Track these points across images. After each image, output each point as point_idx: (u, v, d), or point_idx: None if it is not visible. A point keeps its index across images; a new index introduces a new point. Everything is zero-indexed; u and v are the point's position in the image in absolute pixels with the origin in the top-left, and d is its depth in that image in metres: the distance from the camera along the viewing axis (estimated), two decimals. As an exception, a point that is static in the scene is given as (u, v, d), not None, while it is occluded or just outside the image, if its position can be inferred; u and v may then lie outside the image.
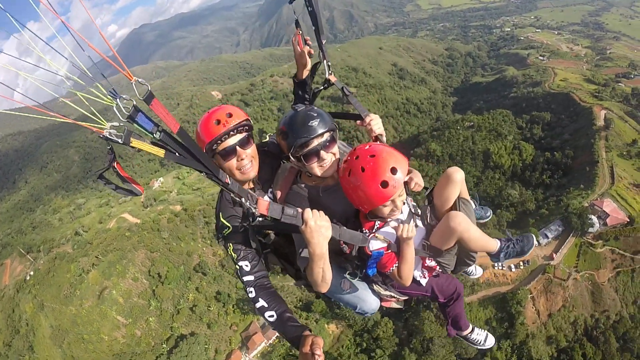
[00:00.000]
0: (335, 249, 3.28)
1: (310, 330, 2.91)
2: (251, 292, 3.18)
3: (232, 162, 3.21)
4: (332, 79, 3.92)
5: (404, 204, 3.36)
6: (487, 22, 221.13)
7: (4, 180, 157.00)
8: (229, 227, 3.28)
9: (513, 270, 62.79)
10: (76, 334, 64.39)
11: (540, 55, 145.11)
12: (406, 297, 3.97)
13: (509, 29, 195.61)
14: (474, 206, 4.06)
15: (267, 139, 3.92)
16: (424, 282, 3.78)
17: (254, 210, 2.59)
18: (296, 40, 3.82)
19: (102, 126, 1.75)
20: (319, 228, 2.72)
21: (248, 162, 3.26)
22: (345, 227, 3.01)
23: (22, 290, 72.84)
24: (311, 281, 3.03)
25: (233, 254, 3.26)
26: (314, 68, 3.94)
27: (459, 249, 3.64)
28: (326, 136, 3.22)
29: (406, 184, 3.39)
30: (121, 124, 1.76)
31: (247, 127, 3.29)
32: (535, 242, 3.82)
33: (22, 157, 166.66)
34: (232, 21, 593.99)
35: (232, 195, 2.57)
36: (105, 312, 66.30)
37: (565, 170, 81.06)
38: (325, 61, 3.81)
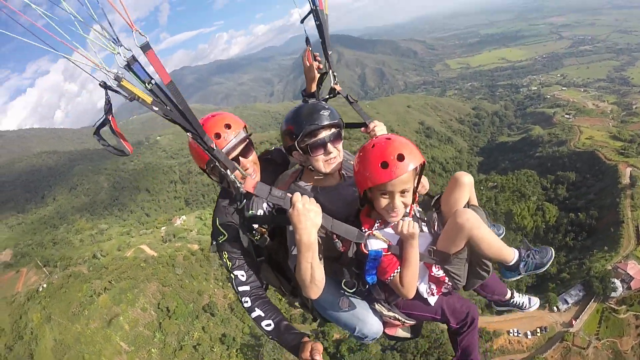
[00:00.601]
0: (330, 249, 3.07)
1: (309, 337, 2.90)
2: (247, 301, 3.12)
3: (236, 172, 2.86)
4: (337, 88, 3.96)
5: (406, 208, 3.03)
6: (514, 81, 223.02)
7: (33, 193, 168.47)
8: (224, 235, 3.19)
9: (529, 337, 61.31)
10: (77, 352, 66.94)
11: (566, 114, 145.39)
12: (413, 322, 3.56)
13: (536, 88, 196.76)
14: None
15: (272, 148, 3.89)
16: (432, 300, 3.35)
17: (239, 185, 2.57)
18: (306, 56, 3.98)
19: (98, 67, 1.85)
20: (307, 212, 2.57)
21: (251, 170, 3.21)
22: (339, 221, 2.81)
23: (33, 300, 77.46)
24: (300, 282, 2.78)
25: (228, 262, 3.17)
26: (321, 79, 4.01)
27: (471, 255, 3.25)
28: (334, 130, 3.15)
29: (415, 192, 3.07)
30: (119, 72, 1.89)
31: (245, 135, 3.22)
32: (554, 254, 3.49)
33: (53, 175, 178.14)
34: (268, 72, 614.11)
35: (217, 164, 2.54)
36: (110, 336, 69.00)
37: (590, 231, 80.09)
38: (331, 71, 3.88)
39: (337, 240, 2.97)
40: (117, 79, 1.88)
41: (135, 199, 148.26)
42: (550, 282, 71.29)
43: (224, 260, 3.18)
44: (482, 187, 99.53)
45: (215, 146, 2.48)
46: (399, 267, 2.91)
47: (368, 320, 3.29)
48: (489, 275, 3.44)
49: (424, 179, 3.28)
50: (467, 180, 3.38)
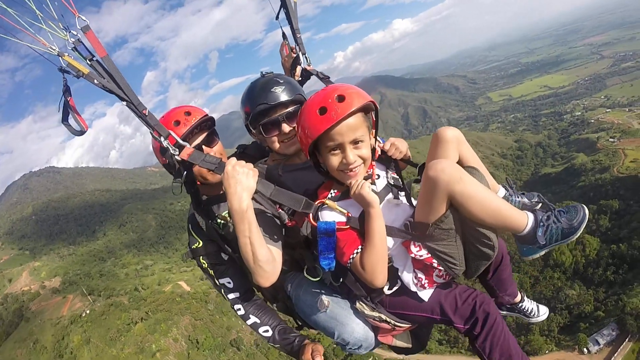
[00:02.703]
0: (289, 232, 2.70)
1: (309, 338, 2.85)
2: (239, 309, 2.95)
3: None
4: (309, 68, 3.78)
5: (365, 165, 2.41)
6: (558, 108, 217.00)
7: (85, 227, 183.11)
8: (198, 241, 2.99)
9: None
10: None
11: (611, 137, 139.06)
12: (408, 325, 2.72)
13: (579, 113, 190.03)
14: (503, 192, 2.77)
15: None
16: (425, 294, 2.54)
17: (172, 153, 2.45)
18: (282, 49, 4.05)
19: (51, 51, 2.15)
20: (236, 173, 2.29)
21: None
22: (284, 189, 2.45)
23: (75, 323, 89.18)
24: (245, 263, 2.38)
25: (210, 271, 2.97)
26: (295, 63, 3.86)
27: (463, 226, 2.37)
28: (291, 107, 2.86)
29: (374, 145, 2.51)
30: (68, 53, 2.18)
31: (209, 124, 3.02)
32: (587, 213, 2.33)
33: (105, 212, 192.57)
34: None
35: (149, 129, 2.47)
36: None
37: (632, 263, 74.26)
38: (301, 53, 3.80)
39: (281, 210, 2.61)
40: (60, 54, 2.12)
41: (180, 238, 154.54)
42: (583, 321, 67.25)
43: (205, 267, 3.00)
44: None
45: (149, 113, 2.43)
46: (360, 247, 2.35)
47: (348, 324, 2.71)
48: (494, 252, 2.46)
49: (402, 143, 2.88)
50: (450, 134, 2.61)
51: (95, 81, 2.24)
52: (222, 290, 2.98)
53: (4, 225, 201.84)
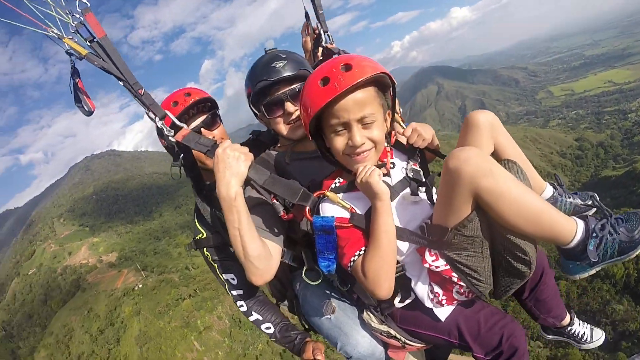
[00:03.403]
0: (290, 227, 2.43)
1: (311, 336, 2.81)
2: (242, 305, 2.86)
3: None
4: (330, 46, 3.39)
5: (377, 148, 1.95)
6: (622, 105, 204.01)
7: (142, 208, 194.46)
8: (202, 233, 2.86)
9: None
10: (156, 343, 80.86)
11: None
12: (420, 344, 2.31)
13: None
14: (551, 191, 2.35)
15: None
16: (442, 313, 2.08)
17: (167, 133, 2.24)
18: (304, 31, 3.78)
19: (52, 33, 2.15)
20: (226, 157, 2.04)
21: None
22: (281, 178, 2.11)
23: (128, 296, 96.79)
24: (236, 256, 2.13)
25: (213, 264, 2.84)
26: (316, 42, 3.51)
27: (492, 234, 1.85)
28: (296, 84, 2.54)
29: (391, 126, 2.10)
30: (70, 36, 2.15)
31: (209, 106, 2.86)
32: None
33: (162, 194, 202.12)
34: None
35: (145, 110, 2.29)
36: (186, 335, 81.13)
37: None
38: (322, 31, 3.45)
39: (275, 201, 2.26)
40: (60, 37, 2.15)
41: None
42: (626, 340, 62.98)
43: (209, 260, 2.86)
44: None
45: (145, 93, 2.28)
46: (363, 248, 1.90)
47: (353, 335, 2.40)
48: (531, 270, 1.88)
49: (427, 129, 2.32)
50: (483, 119, 2.12)
51: (95, 62, 2.24)
52: (226, 285, 2.83)
53: (66, 203, 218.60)
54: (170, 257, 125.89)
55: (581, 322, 2.74)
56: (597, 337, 2.74)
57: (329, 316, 2.47)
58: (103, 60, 2.25)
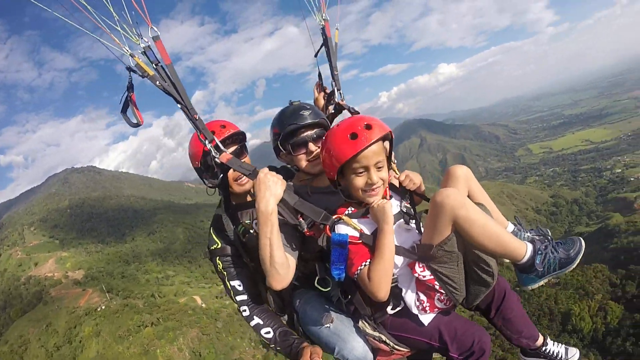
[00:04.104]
0: (306, 245, 2.93)
1: (308, 341, 2.94)
2: (245, 310, 3.12)
3: (230, 174, 3.12)
4: (342, 103, 3.96)
5: (391, 197, 2.81)
6: (598, 164, 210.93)
7: (116, 229, 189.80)
8: (217, 243, 3.21)
9: None
10: None
11: None
12: (406, 350, 2.86)
13: (620, 170, 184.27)
14: (512, 227, 3.01)
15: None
16: (426, 319, 2.66)
17: (214, 155, 2.69)
18: (316, 89, 4.28)
19: (124, 52, 2.43)
20: (267, 180, 2.62)
21: (244, 176, 3.13)
22: (306, 201, 2.73)
23: (90, 315, 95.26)
24: (262, 267, 2.65)
25: (223, 272, 3.17)
26: (329, 98, 4.09)
27: (465, 252, 2.54)
28: (317, 129, 3.14)
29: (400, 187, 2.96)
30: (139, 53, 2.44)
31: (240, 138, 3.29)
32: (583, 245, 2.54)
33: (137, 218, 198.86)
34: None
35: (197, 131, 2.72)
36: None
37: None
38: (336, 89, 3.98)
39: (301, 220, 2.74)
40: (132, 55, 2.43)
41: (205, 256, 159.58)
42: None
43: (219, 269, 3.20)
44: (543, 284, 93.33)
45: (199, 119, 2.66)
46: (368, 260, 2.51)
47: (349, 341, 2.82)
48: (493, 280, 2.59)
49: (416, 175, 3.04)
50: (460, 172, 2.88)
51: (157, 83, 2.54)
52: (232, 292, 3.18)
53: (39, 212, 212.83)
54: (138, 282, 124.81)
55: (554, 342, 3.20)
56: (572, 354, 3.19)
57: (328, 325, 2.89)
58: (166, 82, 2.54)
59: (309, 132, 3.13)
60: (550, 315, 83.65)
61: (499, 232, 2.44)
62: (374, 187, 2.57)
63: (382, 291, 2.47)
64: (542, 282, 2.61)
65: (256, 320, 3.10)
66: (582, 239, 2.55)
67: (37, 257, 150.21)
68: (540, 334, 3.15)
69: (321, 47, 4.15)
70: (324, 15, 4.05)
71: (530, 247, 2.52)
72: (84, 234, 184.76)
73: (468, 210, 2.38)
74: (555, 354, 3.15)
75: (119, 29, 2.41)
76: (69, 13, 2.31)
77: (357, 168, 2.52)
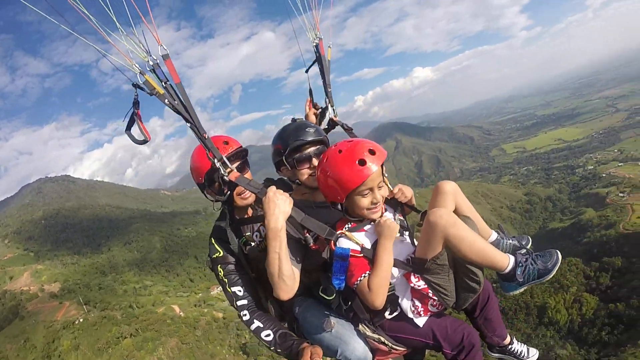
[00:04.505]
0: (309, 258, 3.13)
1: (308, 342, 2.98)
2: (245, 314, 3.20)
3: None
4: (335, 119, 4.18)
5: (385, 210, 3.10)
6: (571, 161, 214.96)
7: (91, 240, 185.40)
8: (219, 252, 3.34)
9: None
10: None
11: (621, 192, 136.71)
12: (403, 349, 3.16)
13: (592, 167, 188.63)
14: (495, 236, 3.38)
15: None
16: (420, 321, 2.96)
17: (223, 174, 2.87)
18: (307, 105, 4.43)
19: (134, 69, 2.48)
20: (276, 199, 2.76)
21: (247, 191, 3.31)
22: (311, 217, 2.93)
23: (68, 329, 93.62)
24: (270, 279, 2.85)
25: (224, 279, 3.28)
26: (323, 113, 4.30)
27: (455, 263, 2.88)
28: (319, 146, 3.35)
29: (395, 200, 3.23)
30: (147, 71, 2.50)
31: (243, 154, 3.44)
32: (560, 257, 2.90)
33: (113, 228, 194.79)
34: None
35: (206, 150, 2.87)
36: None
37: (628, 323, 71.89)
38: (329, 105, 4.19)
39: (307, 235, 2.97)
40: (142, 72, 2.48)
41: (183, 264, 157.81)
42: None
43: (220, 277, 3.32)
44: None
45: (208, 138, 2.81)
46: (367, 272, 2.78)
47: (351, 343, 3.03)
48: (480, 287, 2.96)
49: (407, 189, 3.33)
50: (448, 187, 3.15)
51: (166, 101, 2.62)
52: (233, 297, 3.29)
53: (13, 224, 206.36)
54: (115, 293, 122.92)
55: (519, 342, 3.72)
56: (533, 354, 3.69)
57: (329, 330, 3.10)
58: (175, 101, 2.66)
59: (313, 149, 3.36)
60: (526, 309, 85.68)
61: (485, 247, 2.80)
62: (377, 204, 2.89)
63: (379, 300, 2.77)
64: (522, 290, 2.95)
65: (256, 323, 3.21)
66: (558, 252, 2.94)
67: (12, 270, 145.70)
68: (508, 334, 3.64)
69: (313, 63, 4.34)
70: (318, 33, 4.23)
71: (512, 259, 2.87)
72: (59, 245, 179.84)
73: (458, 229, 2.70)
74: (518, 352, 3.64)
75: (128, 45, 2.49)
76: (74, 27, 2.42)
77: (363, 190, 2.80)
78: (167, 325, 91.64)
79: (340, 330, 3.11)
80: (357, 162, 2.71)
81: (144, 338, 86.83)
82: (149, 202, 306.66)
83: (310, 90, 4.50)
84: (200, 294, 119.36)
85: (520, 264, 2.86)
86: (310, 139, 3.32)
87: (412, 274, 2.93)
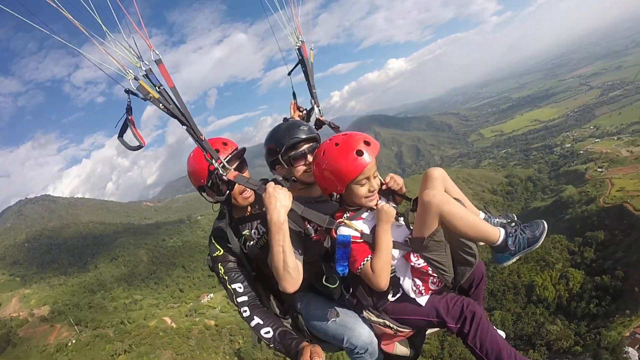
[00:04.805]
0: (309, 249, 3.18)
1: (309, 341, 3.03)
2: (245, 311, 3.23)
3: (235, 188, 3.36)
4: (322, 119, 4.26)
5: (380, 199, 3.19)
6: (548, 141, 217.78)
7: (77, 259, 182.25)
8: (219, 250, 3.39)
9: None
10: None
11: (599, 167, 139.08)
12: (408, 330, 3.22)
13: (569, 145, 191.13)
14: (482, 215, 3.45)
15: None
16: (422, 300, 3.08)
17: (221, 173, 2.93)
18: (291, 107, 4.48)
19: (127, 75, 2.51)
20: (276, 193, 2.84)
21: (248, 190, 3.43)
22: (310, 210, 3.01)
23: (61, 352, 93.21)
24: (275, 272, 2.91)
25: (224, 277, 3.32)
26: (309, 114, 4.41)
27: (450, 239, 3.04)
28: (313, 143, 3.43)
29: (388, 192, 3.39)
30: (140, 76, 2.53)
31: (240, 154, 3.54)
32: (546, 227, 3.07)
33: (98, 245, 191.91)
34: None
35: (203, 152, 2.92)
36: None
37: (615, 294, 73.80)
38: (316, 106, 4.30)
39: (308, 226, 3.08)
40: (136, 78, 2.52)
41: (171, 275, 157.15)
42: (560, 357, 64.64)
43: (221, 275, 3.36)
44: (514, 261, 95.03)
45: (205, 140, 2.86)
46: (369, 256, 2.91)
47: (356, 329, 3.11)
48: (476, 260, 3.15)
49: (397, 177, 3.47)
50: (437, 173, 3.24)
51: (161, 105, 2.66)
52: (233, 294, 3.33)
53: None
54: (106, 311, 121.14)
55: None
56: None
57: (334, 319, 3.18)
58: (170, 105, 2.71)
59: (307, 146, 3.44)
60: (514, 289, 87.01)
61: (476, 221, 2.97)
62: (374, 191, 3.04)
63: (384, 281, 2.91)
64: (514, 259, 3.11)
65: (256, 320, 3.23)
66: (544, 222, 3.12)
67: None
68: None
69: (296, 65, 4.46)
70: (300, 36, 4.34)
71: (502, 231, 3.05)
72: (44, 267, 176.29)
73: (451, 206, 2.88)
74: None
75: (120, 52, 2.54)
76: (58, 31, 2.42)
77: (361, 180, 2.95)
78: (160, 337, 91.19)
79: (345, 319, 3.19)
80: (354, 152, 2.86)
81: (139, 353, 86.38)
82: (132, 215, 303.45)
83: (294, 93, 4.59)
84: (190, 304, 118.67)
85: (511, 234, 3.04)
86: (304, 136, 3.43)
87: (411, 253, 3.06)
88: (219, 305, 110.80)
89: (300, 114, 4.53)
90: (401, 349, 3.42)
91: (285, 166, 3.48)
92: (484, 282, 3.62)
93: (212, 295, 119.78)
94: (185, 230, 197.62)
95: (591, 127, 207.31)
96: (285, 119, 3.83)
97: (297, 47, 4.38)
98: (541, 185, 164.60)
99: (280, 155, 3.41)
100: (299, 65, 4.45)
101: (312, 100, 4.41)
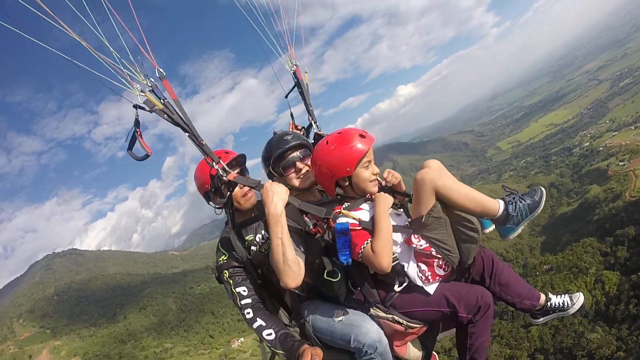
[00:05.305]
0: (310, 246, 3.15)
1: (310, 344, 2.98)
2: (248, 313, 3.24)
3: (237, 191, 3.46)
4: (320, 132, 4.37)
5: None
6: (566, 143, 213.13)
7: (106, 310, 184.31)
8: (225, 254, 3.48)
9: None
10: None
11: (620, 161, 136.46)
12: (420, 325, 3.14)
13: (588, 143, 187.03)
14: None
15: None
16: (430, 288, 3.01)
17: (222, 174, 3.10)
18: (290, 127, 4.56)
19: (134, 91, 2.75)
20: (273, 187, 2.94)
21: (249, 191, 3.55)
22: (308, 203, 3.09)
23: None
24: (275, 268, 2.90)
25: (229, 280, 3.37)
26: (307, 130, 4.49)
27: (449, 216, 2.98)
28: (302, 150, 3.53)
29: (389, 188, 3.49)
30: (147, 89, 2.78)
31: (242, 161, 3.69)
32: (544, 191, 3.03)
33: (126, 295, 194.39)
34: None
35: (205, 156, 3.14)
36: None
37: None
38: (313, 122, 4.43)
39: (306, 219, 3.09)
40: (143, 91, 2.76)
41: (200, 321, 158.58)
42: None
43: (225, 279, 3.40)
44: (537, 273, 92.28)
45: (206, 145, 3.04)
46: (369, 239, 2.87)
47: (364, 325, 3.02)
48: (479, 235, 3.07)
49: (396, 173, 3.63)
50: (433, 163, 3.17)
51: (165, 116, 2.87)
52: (237, 297, 3.35)
53: (26, 303, 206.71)
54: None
55: (557, 294, 3.57)
56: (577, 299, 3.52)
57: (341, 318, 3.13)
58: (174, 115, 2.90)
59: (295, 153, 3.51)
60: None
61: (473, 192, 2.93)
62: (376, 176, 3.14)
63: (386, 261, 2.82)
64: (519, 229, 2.99)
65: (259, 322, 3.21)
66: (542, 187, 3.09)
67: (30, 349, 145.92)
68: (541, 293, 3.52)
69: (292, 88, 4.62)
70: (294, 61, 4.55)
71: (501, 201, 2.99)
72: (74, 319, 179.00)
73: (445, 179, 2.88)
74: (561, 304, 3.50)
75: (126, 71, 2.74)
76: (67, 55, 2.64)
77: (365, 162, 3.06)
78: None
79: (351, 317, 3.13)
80: (359, 135, 3.02)
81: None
82: (158, 264, 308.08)
83: (292, 114, 4.69)
84: (221, 349, 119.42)
85: (510, 202, 2.96)
86: (290, 145, 3.49)
87: (412, 235, 3.00)
88: (249, 349, 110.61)
89: (299, 132, 4.57)
90: (414, 352, 3.39)
91: (279, 177, 3.52)
92: (503, 267, 3.38)
93: (242, 339, 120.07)
94: (212, 277, 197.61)
95: (607, 121, 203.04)
96: (274, 132, 3.86)
97: (292, 71, 4.56)
98: (565, 189, 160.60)
99: (271, 167, 3.51)
100: (295, 87, 4.62)
101: (309, 117, 4.52)
